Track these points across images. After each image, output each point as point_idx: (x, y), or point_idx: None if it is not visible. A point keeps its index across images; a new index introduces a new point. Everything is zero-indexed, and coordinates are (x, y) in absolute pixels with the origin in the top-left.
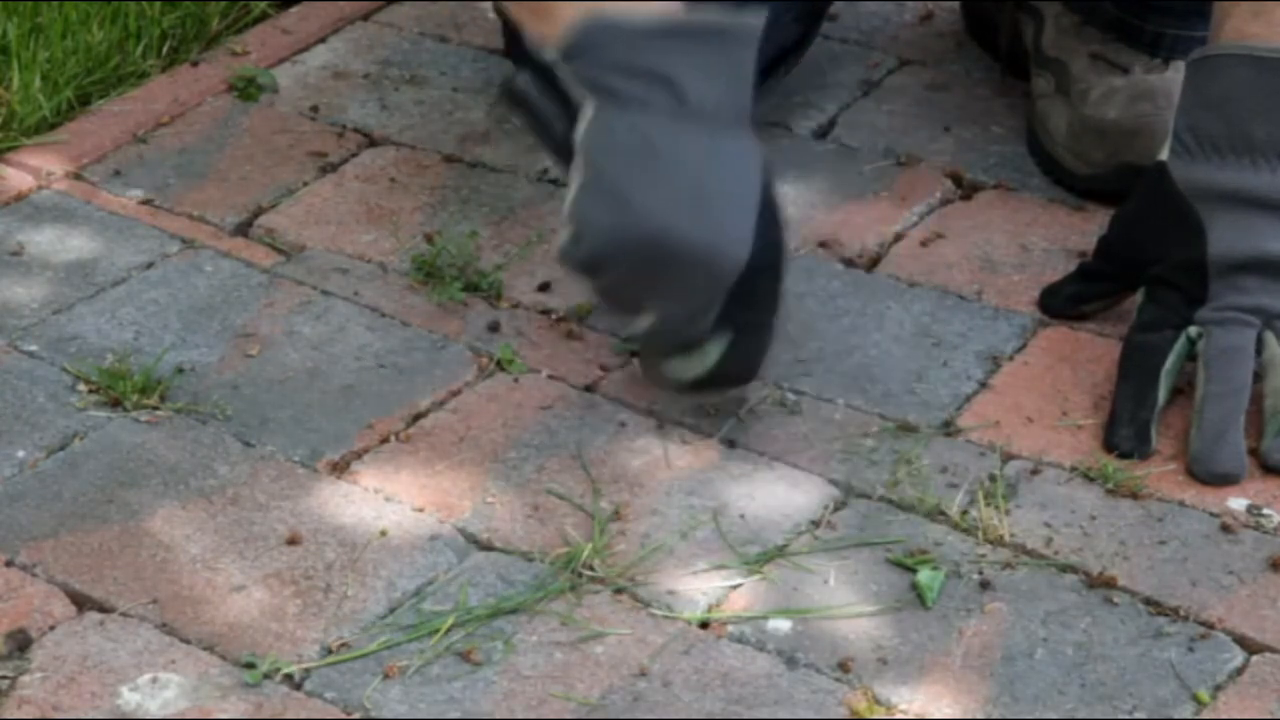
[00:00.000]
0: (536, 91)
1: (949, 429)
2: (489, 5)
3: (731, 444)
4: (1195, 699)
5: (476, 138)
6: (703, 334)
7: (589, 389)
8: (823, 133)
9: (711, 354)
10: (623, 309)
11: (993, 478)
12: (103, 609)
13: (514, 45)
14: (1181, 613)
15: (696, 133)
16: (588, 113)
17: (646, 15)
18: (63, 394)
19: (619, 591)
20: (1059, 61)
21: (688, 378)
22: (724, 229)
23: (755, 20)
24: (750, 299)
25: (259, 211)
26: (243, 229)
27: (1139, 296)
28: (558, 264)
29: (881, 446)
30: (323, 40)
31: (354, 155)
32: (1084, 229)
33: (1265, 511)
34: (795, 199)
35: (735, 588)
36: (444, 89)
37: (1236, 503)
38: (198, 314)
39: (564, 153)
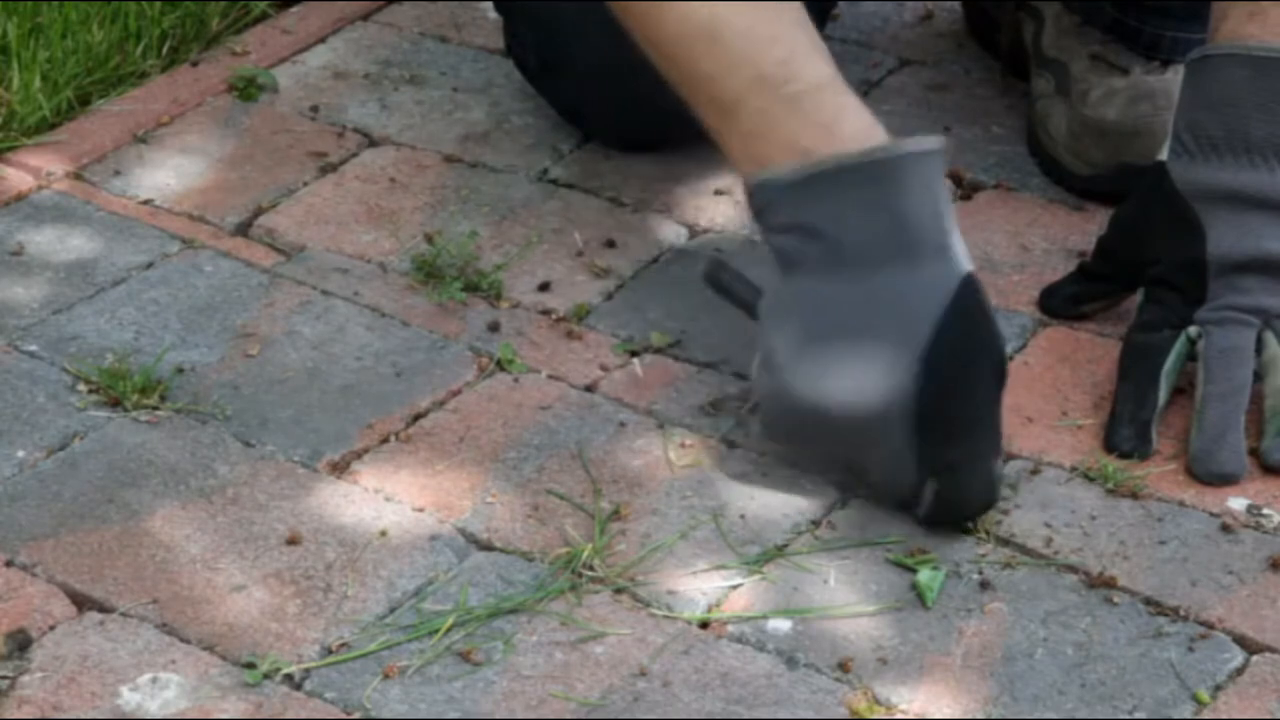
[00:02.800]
0: (728, 274)
1: None
2: (489, 5)
3: (731, 444)
4: (1195, 699)
5: (476, 138)
6: (911, 485)
7: (589, 389)
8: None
9: (925, 501)
10: (842, 468)
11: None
12: (103, 609)
13: (514, 45)
14: (1181, 613)
15: (853, 278)
16: (769, 284)
17: (796, 169)
18: (63, 394)
19: (619, 591)
20: (1059, 62)
21: (920, 518)
22: (869, 379)
23: (925, 146)
24: (933, 445)
25: (259, 211)
26: (243, 229)
27: (1139, 297)
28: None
29: None
30: (323, 40)
31: (354, 155)
32: (1084, 229)
33: (1265, 511)
34: None
35: (735, 588)
36: (444, 89)
37: (1236, 503)
38: (198, 314)
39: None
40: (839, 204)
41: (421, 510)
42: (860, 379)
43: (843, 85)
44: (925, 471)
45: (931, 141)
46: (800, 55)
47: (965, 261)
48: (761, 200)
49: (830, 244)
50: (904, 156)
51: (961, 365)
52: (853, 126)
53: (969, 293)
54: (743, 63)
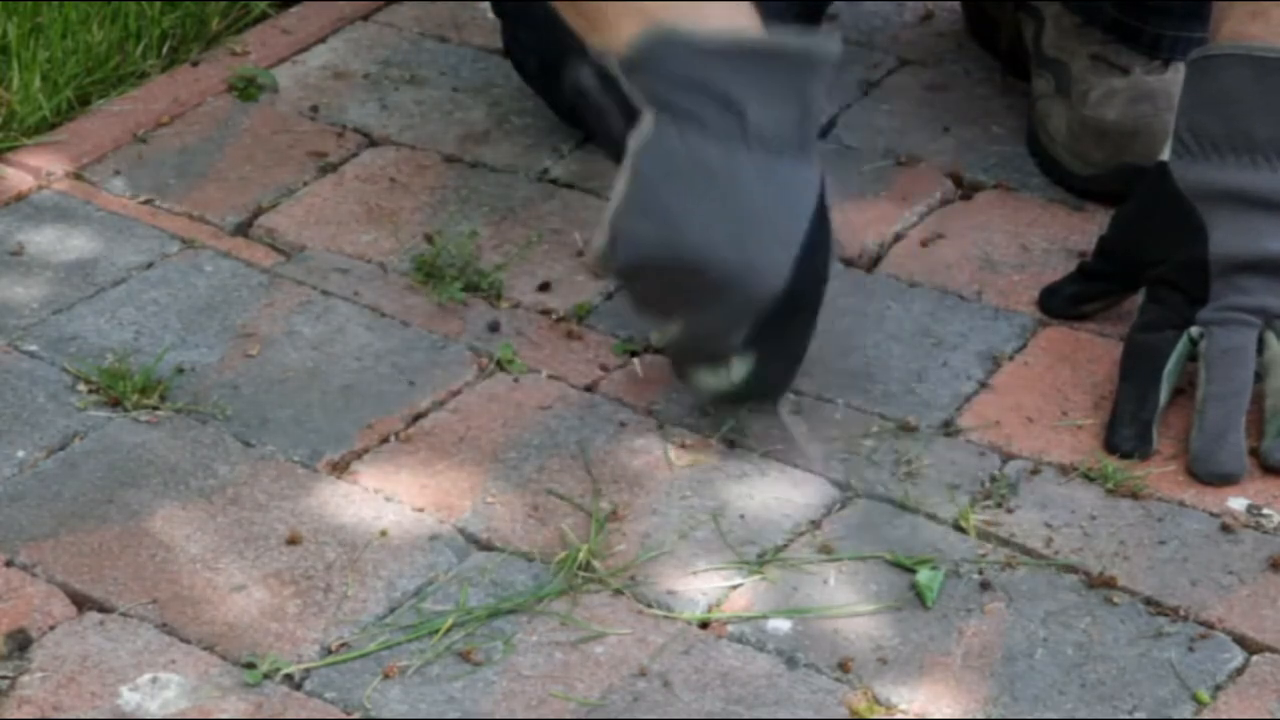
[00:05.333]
0: (599, 89)
1: (949, 429)
2: (489, 5)
3: (731, 444)
4: (1195, 699)
5: (476, 138)
6: (729, 351)
7: (589, 389)
8: (823, 133)
9: (736, 373)
10: (652, 314)
11: (993, 478)
12: (103, 609)
13: (513, 46)
14: (1181, 613)
15: (751, 158)
16: (645, 124)
17: (715, 31)
18: (63, 394)
19: (619, 592)
20: (1059, 62)
21: (710, 388)
22: (761, 256)
23: (831, 47)
24: (782, 327)
25: (259, 211)
26: (243, 229)
27: (1140, 297)
28: (592, 266)
29: (881, 446)
30: (323, 40)
31: (354, 155)
32: (1084, 229)
33: (1265, 511)
34: None
35: (735, 588)
36: (444, 89)
37: (1236, 503)
38: (198, 314)
39: (618, 153)
40: (761, 83)
41: (421, 510)
42: (742, 245)
43: None
44: (750, 346)
45: (834, 48)
46: None
47: (819, 164)
48: (660, 51)
49: (738, 116)
50: (828, 57)
51: (822, 265)
52: (738, 7)
53: (826, 196)
54: None
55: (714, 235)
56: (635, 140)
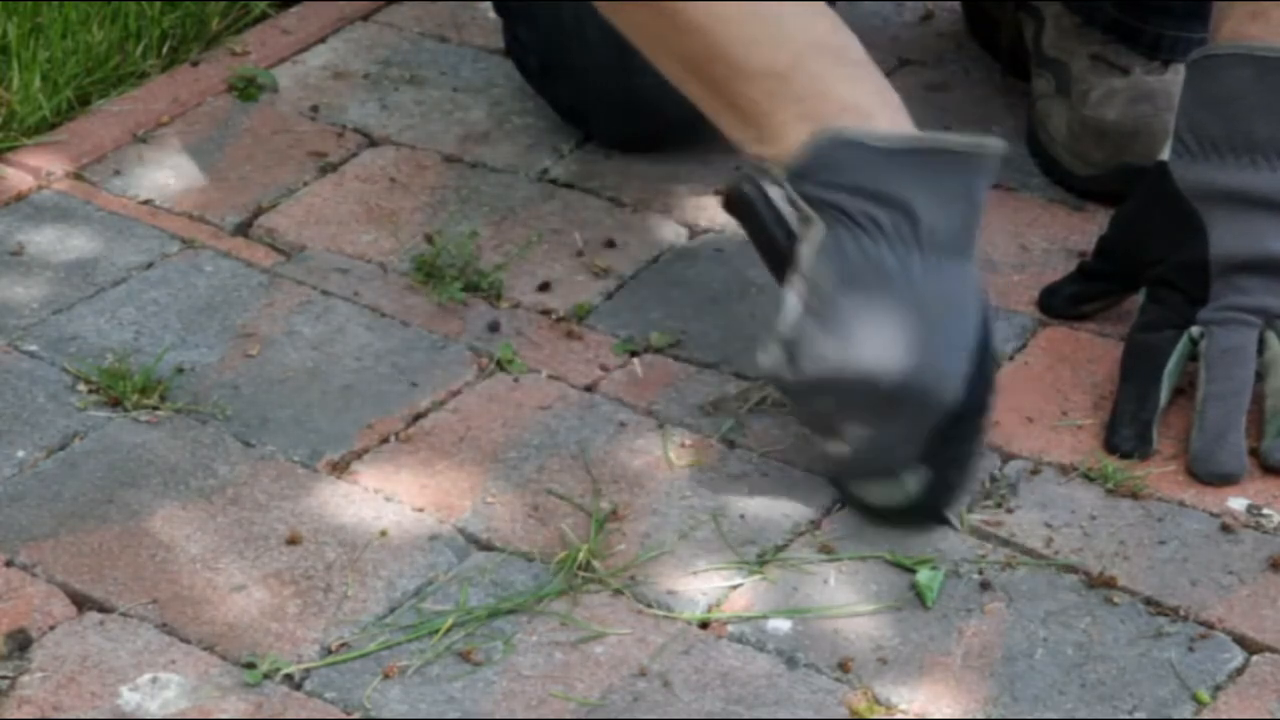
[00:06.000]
0: (762, 200)
1: None
2: (489, 5)
3: (731, 444)
4: (1195, 699)
5: (476, 138)
6: (904, 465)
7: (589, 389)
8: None
9: (909, 488)
10: (823, 428)
11: (993, 478)
12: (103, 609)
13: (514, 46)
14: (1181, 613)
15: (924, 263)
16: (817, 233)
17: (886, 134)
18: (63, 394)
19: (619, 592)
20: (1059, 62)
21: (881, 503)
22: (942, 369)
23: (997, 145)
24: (954, 437)
25: (259, 211)
26: (243, 229)
27: (1140, 297)
28: (764, 379)
29: None
30: (323, 40)
31: (354, 155)
32: (1084, 229)
33: (1265, 511)
34: None
35: (735, 588)
36: (444, 89)
37: (1236, 503)
38: (198, 314)
39: (781, 265)
40: (932, 184)
41: (421, 510)
42: (922, 355)
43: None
44: (924, 459)
45: (1001, 146)
46: (846, 29)
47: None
48: (829, 157)
49: (910, 219)
50: (994, 155)
51: (991, 369)
52: (898, 102)
53: (988, 300)
54: (797, 30)
55: (896, 347)
56: (809, 250)
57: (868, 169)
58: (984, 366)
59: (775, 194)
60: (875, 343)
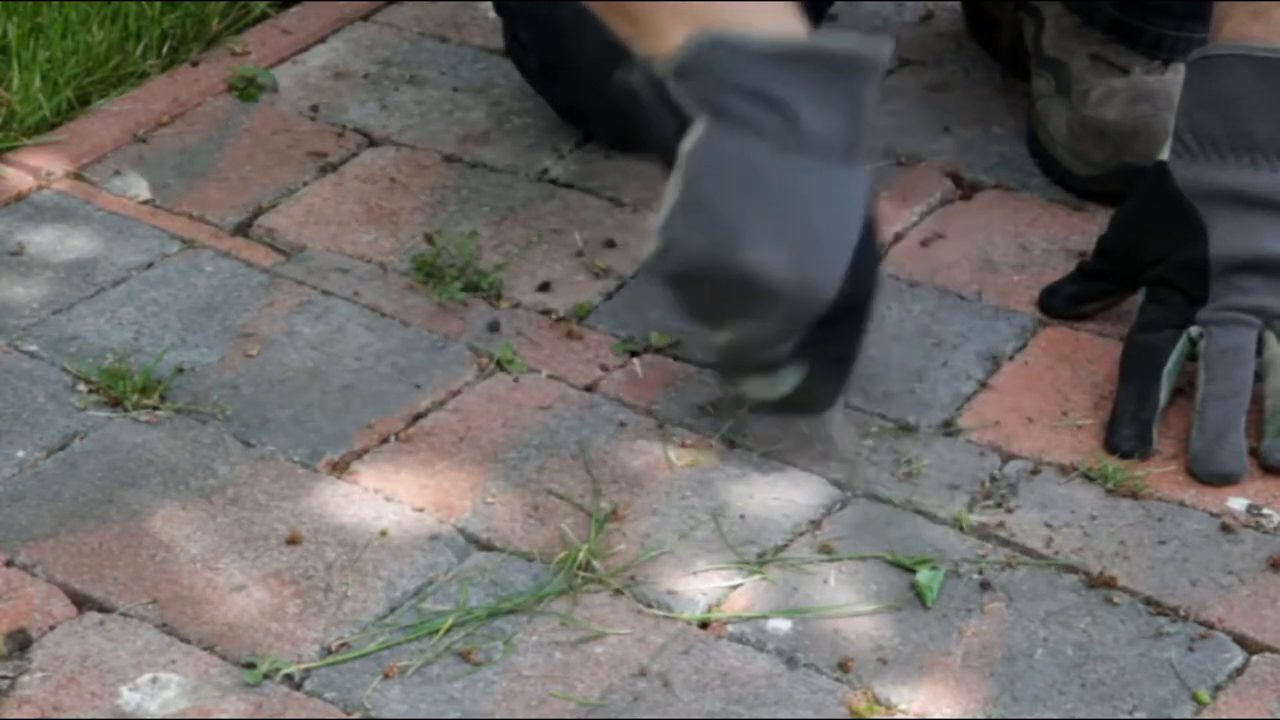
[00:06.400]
0: (649, 93)
1: (949, 429)
2: (489, 5)
3: (731, 444)
4: (1195, 699)
5: (476, 138)
6: (779, 360)
7: (589, 389)
8: None
9: (786, 382)
10: (702, 323)
11: (993, 478)
12: (103, 609)
13: (513, 46)
14: (1181, 613)
15: (805, 164)
16: (697, 129)
17: (767, 37)
18: (63, 394)
19: (619, 592)
20: (1059, 62)
21: (758, 397)
22: (816, 265)
23: (882, 50)
24: (832, 336)
25: (259, 211)
26: (243, 229)
27: (1140, 297)
28: (642, 273)
29: (881, 446)
30: (323, 40)
31: (354, 155)
32: (1084, 229)
33: (1265, 511)
34: None
35: (735, 588)
36: (444, 89)
37: (1236, 503)
38: (198, 314)
39: (667, 158)
40: (812, 87)
41: (421, 510)
42: (796, 252)
43: None
44: (800, 355)
45: (887, 51)
46: None
47: (867, 170)
48: (712, 56)
49: (791, 121)
50: (879, 60)
51: (872, 271)
52: (791, 5)
53: (875, 204)
54: None
55: (768, 243)
56: (687, 144)
57: (749, 70)
58: (865, 269)
59: (668, 87)
60: (746, 237)
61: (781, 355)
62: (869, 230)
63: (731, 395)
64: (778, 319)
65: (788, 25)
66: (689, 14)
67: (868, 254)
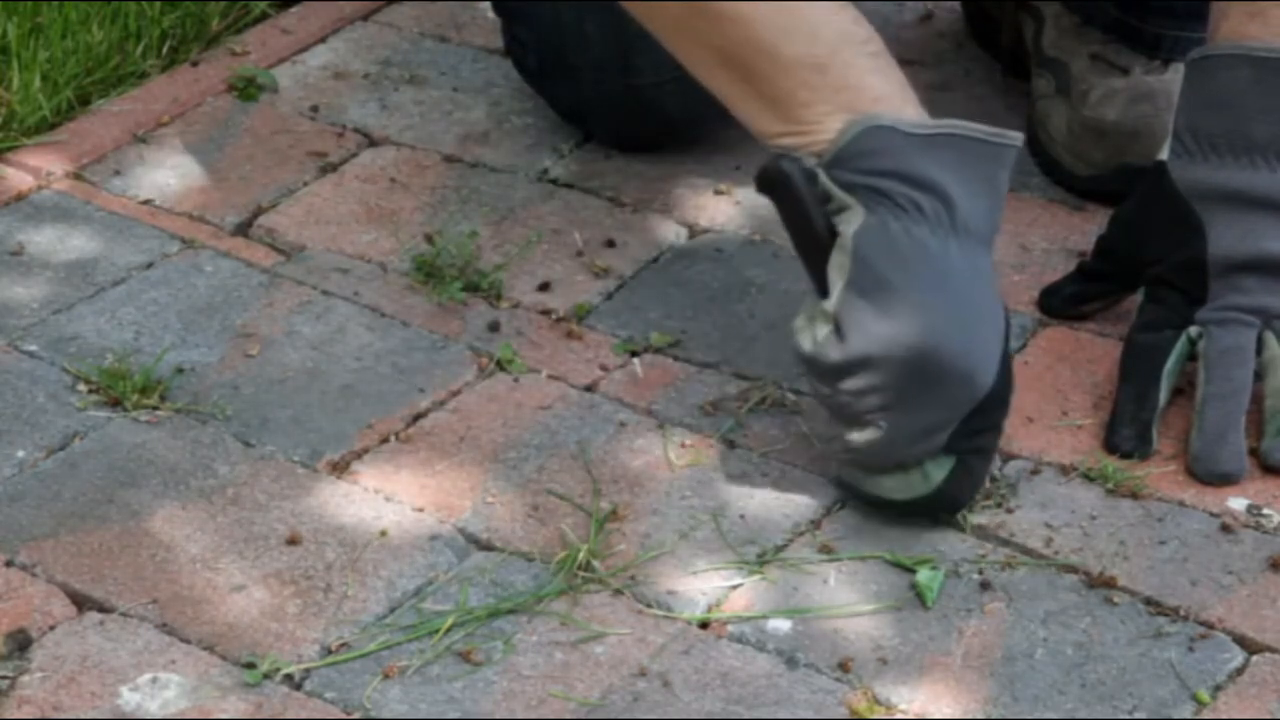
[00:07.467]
0: (803, 177)
1: None
2: (489, 5)
3: (731, 444)
4: (1195, 699)
5: (476, 138)
6: (931, 453)
7: (589, 389)
8: None
9: (932, 478)
10: (852, 417)
11: (993, 478)
12: (103, 609)
13: (513, 46)
14: (1181, 613)
15: (962, 247)
16: (857, 214)
17: (920, 122)
18: (63, 394)
19: (619, 592)
20: (1059, 62)
21: (898, 496)
22: (983, 352)
23: (1016, 137)
24: (980, 426)
25: (259, 211)
26: (243, 229)
27: (1139, 296)
28: (800, 361)
29: None
30: (323, 40)
31: (354, 155)
32: (1084, 229)
33: (1265, 511)
34: None
35: (735, 588)
36: (444, 89)
37: (1236, 503)
38: (198, 314)
39: (811, 245)
40: (963, 172)
41: (421, 510)
42: (965, 335)
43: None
44: (950, 448)
45: (1020, 137)
46: (866, 22)
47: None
48: (866, 144)
49: (947, 204)
50: (1015, 146)
51: (1009, 358)
52: (914, 95)
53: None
54: (827, 22)
55: (944, 324)
56: (850, 228)
57: (905, 155)
58: (1006, 355)
59: (819, 175)
60: (927, 320)
61: (934, 448)
62: (1007, 318)
63: (859, 496)
64: (940, 405)
65: (923, 113)
66: (848, 105)
67: (1008, 341)
